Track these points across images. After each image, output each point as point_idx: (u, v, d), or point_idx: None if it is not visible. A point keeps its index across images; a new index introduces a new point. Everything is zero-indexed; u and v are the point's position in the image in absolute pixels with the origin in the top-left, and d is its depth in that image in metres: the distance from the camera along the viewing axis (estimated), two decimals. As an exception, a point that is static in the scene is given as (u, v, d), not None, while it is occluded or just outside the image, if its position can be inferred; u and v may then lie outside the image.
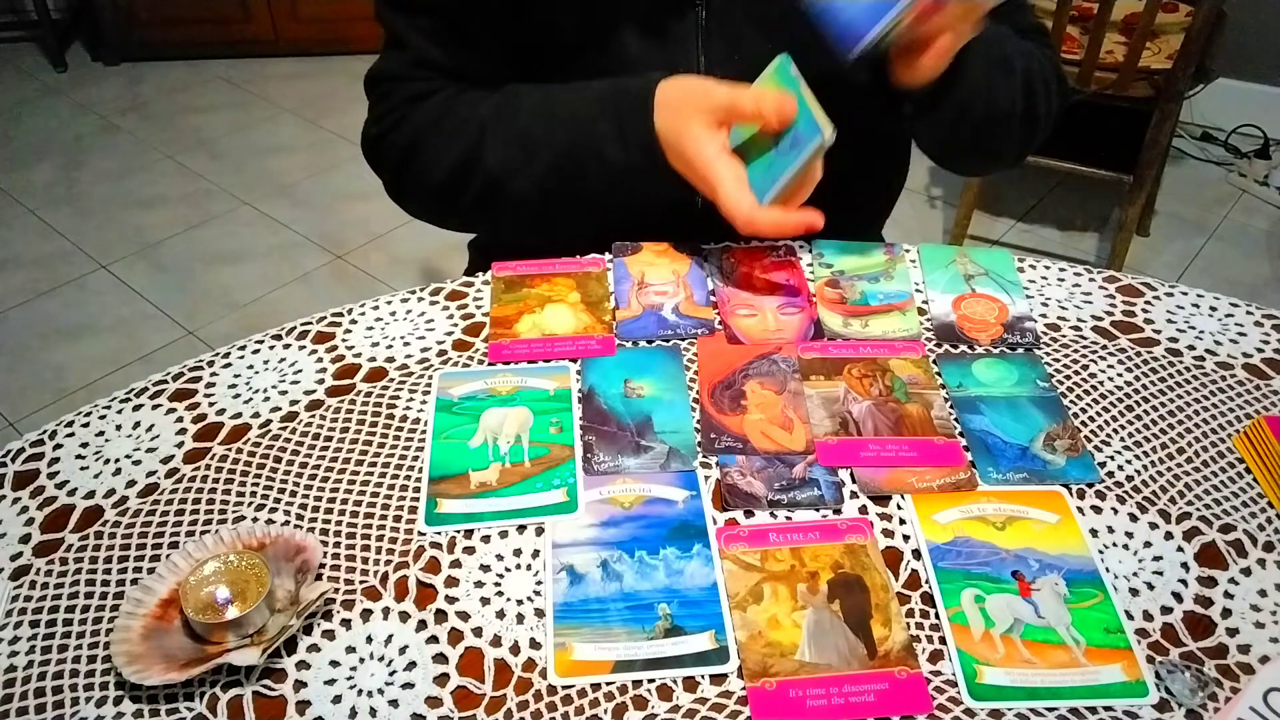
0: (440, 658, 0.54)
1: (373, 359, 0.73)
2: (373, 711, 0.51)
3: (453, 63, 0.84)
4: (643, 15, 0.80)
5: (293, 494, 0.63)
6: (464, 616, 0.56)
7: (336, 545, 0.59)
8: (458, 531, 0.60)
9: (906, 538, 0.60)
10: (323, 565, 0.58)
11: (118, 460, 0.65)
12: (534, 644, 0.54)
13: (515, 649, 0.54)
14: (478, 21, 0.82)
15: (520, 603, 0.56)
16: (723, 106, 0.71)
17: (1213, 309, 0.79)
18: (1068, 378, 0.72)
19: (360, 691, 0.52)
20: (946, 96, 0.76)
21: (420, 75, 0.84)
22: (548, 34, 0.82)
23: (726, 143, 0.72)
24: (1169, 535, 0.61)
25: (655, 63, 0.79)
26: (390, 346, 0.74)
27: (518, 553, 0.59)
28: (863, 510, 0.62)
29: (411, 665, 0.53)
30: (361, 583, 0.57)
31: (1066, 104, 0.89)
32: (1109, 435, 0.67)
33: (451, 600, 0.56)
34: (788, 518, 0.61)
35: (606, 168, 0.77)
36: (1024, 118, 0.83)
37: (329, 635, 0.55)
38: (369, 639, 0.55)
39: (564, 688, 0.52)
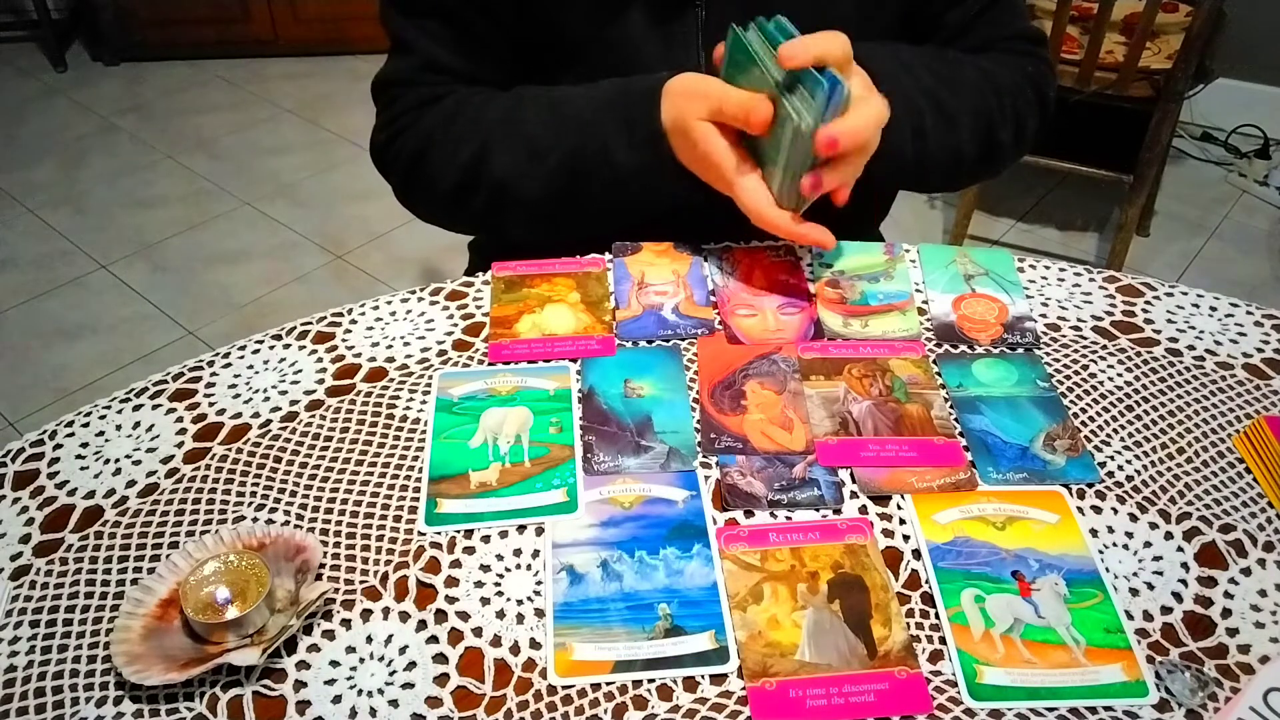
0: (440, 658, 0.54)
1: (373, 359, 0.73)
2: (373, 711, 0.51)
3: (459, 66, 0.84)
4: (644, 15, 0.80)
5: (293, 494, 0.63)
6: (464, 616, 0.56)
7: (336, 545, 0.59)
8: (458, 531, 0.60)
9: (906, 538, 0.60)
10: (323, 565, 0.58)
11: (118, 460, 0.65)
12: (534, 644, 0.54)
13: (515, 649, 0.54)
14: (482, 24, 0.82)
15: (520, 603, 0.56)
16: (714, 108, 0.71)
17: (1213, 309, 0.79)
18: (1068, 378, 0.72)
19: (360, 691, 0.52)
20: (872, 165, 0.73)
21: (427, 80, 0.85)
22: (551, 35, 0.82)
23: (736, 137, 0.72)
24: (1169, 535, 0.61)
25: (656, 62, 0.79)
26: (390, 346, 0.74)
27: (518, 553, 0.59)
28: (863, 510, 0.62)
29: (411, 665, 0.53)
30: (361, 583, 0.57)
31: (1050, 115, 0.90)
32: (1109, 435, 0.67)
33: (451, 600, 0.56)
34: (788, 518, 0.61)
35: (613, 168, 0.77)
36: (980, 156, 0.84)
37: (329, 635, 0.55)
38: (369, 639, 0.55)
39: (564, 688, 0.52)
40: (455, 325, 0.75)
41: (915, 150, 0.79)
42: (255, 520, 0.61)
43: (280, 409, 0.68)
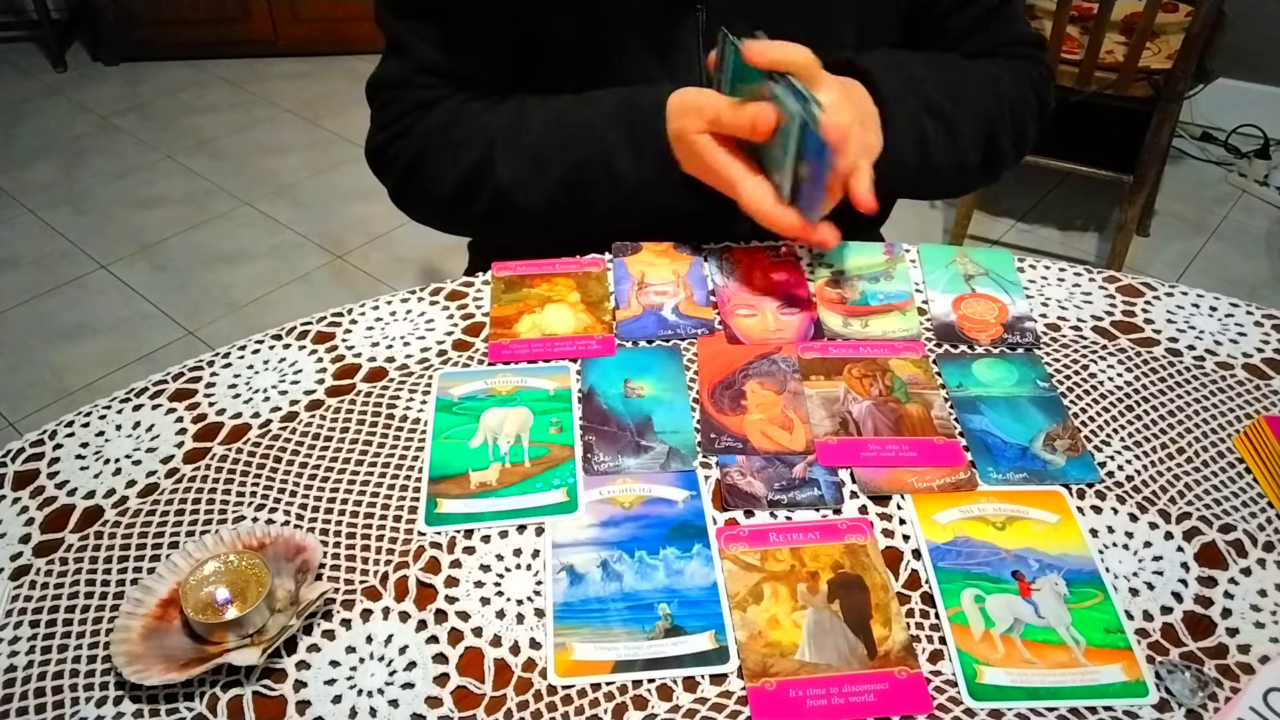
0: (440, 658, 0.54)
1: (373, 359, 0.73)
2: (373, 711, 0.51)
3: (455, 68, 0.84)
4: (643, 19, 0.80)
5: (293, 494, 0.63)
6: (464, 616, 0.56)
7: (336, 545, 0.59)
8: (458, 531, 0.60)
9: (906, 538, 0.60)
10: (323, 565, 0.58)
11: (118, 460, 0.65)
12: (534, 644, 0.54)
13: (515, 649, 0.54)
14: (479, 27, 0.82)
15: (520, 603, 0.56)
16: (710, 120, 0.71)
17: (1213, 309, 0.79)
18: (1068, 378, 0.72)
19: (360, 691, 0.52)
20: (878, 173, 0.73)
21: (423, 82, 0.84)
22: (549, 39, 0.82)
23: (735, 143, 0.72)
24: (1169, 535, 0.61)
25: (656, 66, 0.79)
26: (390, 346, 0.74)
27: (518, 553, 0.59)
28: (863, 510, 0.62)
29: (411, 665, 0.53)
30: (361, 583, 0.57)
31: (1049, 121, 0.90)
32: (1109, 435, 0.67)
33: (451, 600, 0.56)
34: (788, 518, 0.61)
35: (618, 182, 0.77)
36: (982, 162, 0.85)
37: (329, 635, 0.55)
38: (369, 639, 0.55)
39: (564, 688, 0.52)
40: (455, 325, 0.75)
41: (919, 158, 0.79)
42: (255, 520, 0.61)
43: (280, 409, 0.68)
